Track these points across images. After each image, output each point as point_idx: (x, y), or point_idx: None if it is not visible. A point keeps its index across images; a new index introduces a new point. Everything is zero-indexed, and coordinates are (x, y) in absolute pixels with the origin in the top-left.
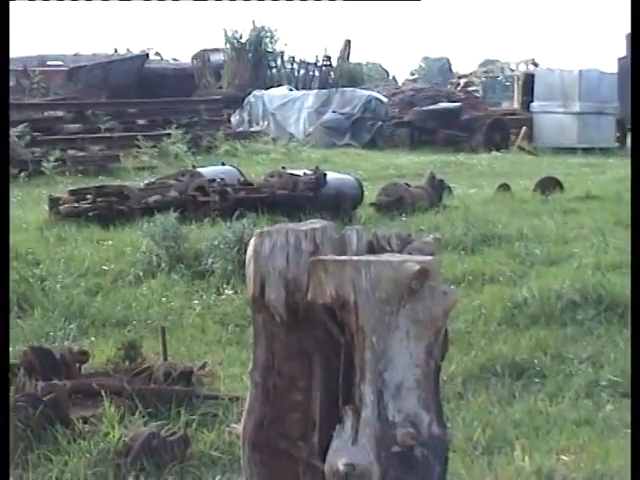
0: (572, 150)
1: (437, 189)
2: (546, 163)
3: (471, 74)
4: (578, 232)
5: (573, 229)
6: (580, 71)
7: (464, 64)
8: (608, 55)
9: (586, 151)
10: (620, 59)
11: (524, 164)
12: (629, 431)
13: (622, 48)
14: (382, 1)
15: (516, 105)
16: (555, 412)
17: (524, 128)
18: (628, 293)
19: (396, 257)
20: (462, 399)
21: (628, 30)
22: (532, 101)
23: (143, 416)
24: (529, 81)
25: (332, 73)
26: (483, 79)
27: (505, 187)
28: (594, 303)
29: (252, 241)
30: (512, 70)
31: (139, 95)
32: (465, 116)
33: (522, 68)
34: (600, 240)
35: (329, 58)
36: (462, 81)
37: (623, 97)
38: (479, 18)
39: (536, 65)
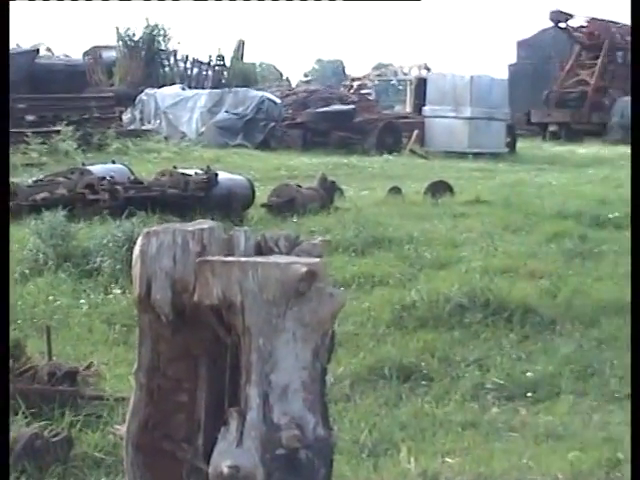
0: (463, 154)
1: (329, 191)
2: (437, 167)
3: (364, 77)
4: (467, 236)
5: (462, 233)
6: (471, 76)
7: (358, 67)
8: (499, 61)
9: (476, 156)
10: (510, 65)
11: (415, 167)
12: (514, 434)
13: (512, 55)
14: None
15: (408, 109)
16: (441, 414)
17: (416, 132)
18: (515, 297)
19: (284, 259)
20: (350, 401)
21: (519, 37)
22: (424, 105)
23: (26, 416)
24: (421, 85)
25: (225, 73)
26: (376, 82)
27: (396, 190)
28: (481, 307)
29: (139, 241)
30: (405, 74)
31: (29, 91)
32: (358, 119)
33: (415, 72)
34: (489, 244)
35: (223, 58)
36: (355, 84)
37: (513, 103)
38: (373, 22)
39: (428, 69)
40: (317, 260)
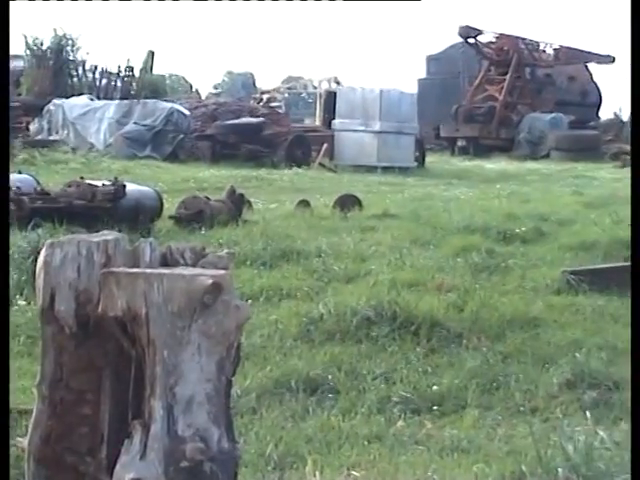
0: (372, 168)
1: (237, 203)
2: (346, 180)
3: (274, 90)
4: (375, 249)
5: (371, 246)
6: (381, 90)
7: (268, 80)
8: (408, 76)
9: (386, 170)
10: (420, 80)
11: (324, 181)
12: (419, 447)
13: (422, 70)
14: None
15: (318, 122)
16: (347, 428)
17: (325, 145)
18: (422, 310)
19: (189, 271)
20: (256, 414)
21: (429, 52)
22: (334, 118)
23: None
24: (331, 99)
25: (134, 84)
26: (286, 95)
27: (305, 203)
28: (389, 320)
29: (43, 252)
30: (315, 87)
31: None
32: (267, 131)
33: (325, 85)
34: (397, 258)
35: (132, 69)
36: (265, 96)
37: (423, 117)
38: (283, 34)
39: (338, 83)
40: (223, 272)
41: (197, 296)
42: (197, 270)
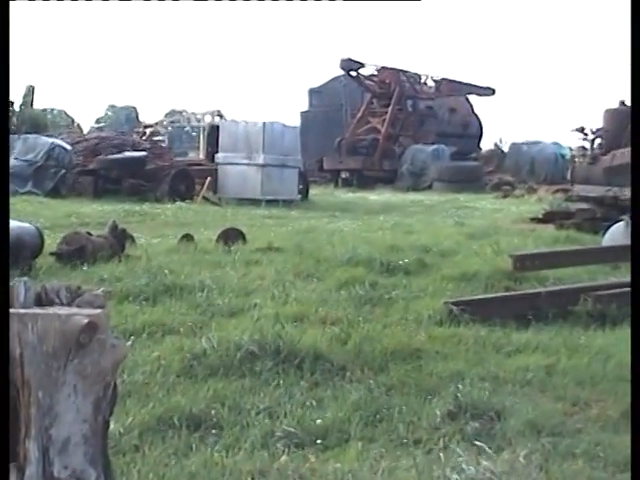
0: (256, 201)
1: (120, 238)
2: (230, 214)
3: (157, 123)
4: (259, 283)
5: (255, 280)
6: (264, 123)
7: (151, 113)
8: (291, 109)
9: (270, 203)
10: (303, 113)
11: (208, 215)
12: None
13: (305, 102)
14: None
15: (202, 156)
16: (231, 464)
17: (209, 179)
18: (305, 344)
19: (65, 310)
20: (138, 452)
21: (311, 84)
22: (217, 152)
23: None
24: (214, 132)
25: (15, 119)
26: (169, 129)
27: (189, 237)
28: (272, 354)
29: None
30: (198, 120)
31: None
32: (150, 165)
33: (208, 119)
34: (280, 291)
35: (12, 104)
36: (148, 130)
37: (306, 150)
38: (166, 67)
39: (221, 116)
40: (99, 311)
41: (72, 336)
42: (72, 309)
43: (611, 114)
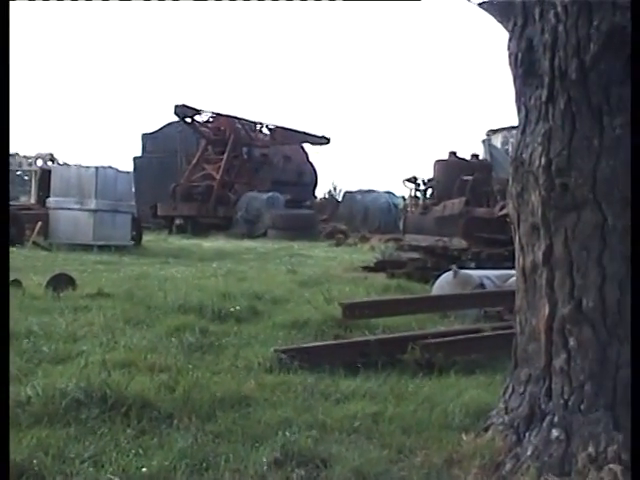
0: (88, 247)
1: None
2: (61, 259)
3: None
4: (88, 330)
5: (83, 327)
6: (96, 168)
7: None
8: (124, 154)
9: (102, 248)
10: (136, 158)
11: (38, 260)
12: None
13: (138, 148)
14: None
15: (33, 200)
16: None
17: (39, 223)
18: (133, 391)
19: None
20: None
21: (145, 130)
22: (49, 196)
23: None
24: (46, 176)
25: None
26: None
27: (17, 283)
28: (99, 401)
29: None
30: (30, 164)
31: None
32: None
33: (40, 163)
34: (109, 338)
35: None
36: None
37: (140, 196)
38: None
39: (54, 160)
40: None
41: None
42: None
43: (442, 165)
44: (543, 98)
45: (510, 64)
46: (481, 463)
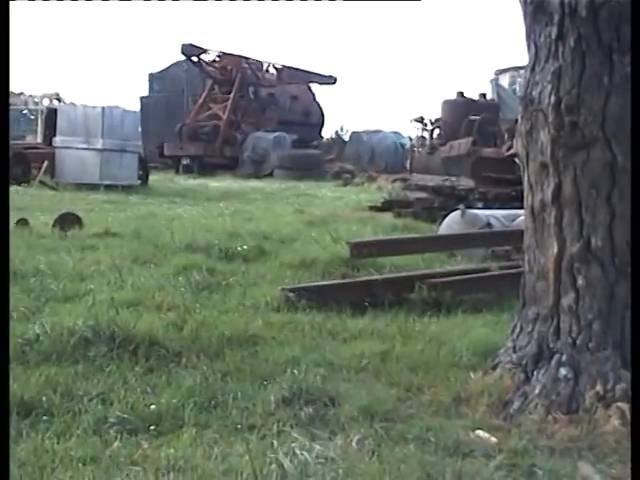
0: (95, 186)
1: None
2: (68, 198)
3: None
4: (95, 269)
5: (91, 266)
6: (103, 108)
7: None
8: (131, 93)
9: (109, 188)
10: (142, 98)
11: (45, 199)
12: (135, 468)
13: (145, 87)
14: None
15: (39, 139)
16: (62, 450)
17: (46, 162)
18: (140, 329)
19: None
20: None
21: (151, 69)
22: (55, 136)
23: None
24: (52, 116)
25: None
26: None
27: (24, 222)
28: (107, 340)
29: None
30: (36, 104)
31: None
32: None
33: (46, 102)
34: (116, 277)
35: None
36: None
37: (146, 135)
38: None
39: (60, 100)
40: None
41: None
42: None
43: (449, 105)
44: (553, 36)
45: (520, 1)
46: (489, 401)
